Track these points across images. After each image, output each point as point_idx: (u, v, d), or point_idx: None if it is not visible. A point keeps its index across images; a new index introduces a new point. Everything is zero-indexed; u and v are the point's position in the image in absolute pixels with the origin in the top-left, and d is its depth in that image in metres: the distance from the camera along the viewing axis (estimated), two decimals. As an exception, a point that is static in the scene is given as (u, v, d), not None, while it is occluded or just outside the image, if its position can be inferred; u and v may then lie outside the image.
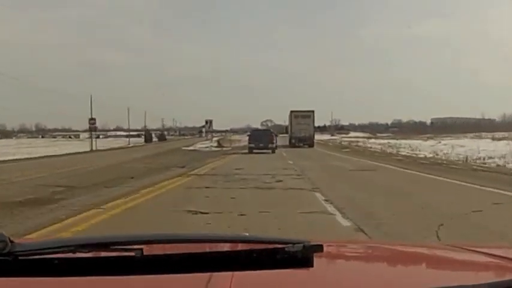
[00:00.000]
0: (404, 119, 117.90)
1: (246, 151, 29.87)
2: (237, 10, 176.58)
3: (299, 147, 39.39)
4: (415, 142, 36.81)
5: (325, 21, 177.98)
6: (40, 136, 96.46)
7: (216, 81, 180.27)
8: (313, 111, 45.14)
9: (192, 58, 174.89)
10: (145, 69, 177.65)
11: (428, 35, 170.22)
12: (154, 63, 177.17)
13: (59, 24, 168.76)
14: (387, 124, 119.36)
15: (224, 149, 34.21)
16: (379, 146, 35.97)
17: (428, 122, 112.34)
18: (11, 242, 1.00)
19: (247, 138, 34.25)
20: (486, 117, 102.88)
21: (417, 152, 27.06)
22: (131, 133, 79.38)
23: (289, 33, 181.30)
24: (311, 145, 40.82)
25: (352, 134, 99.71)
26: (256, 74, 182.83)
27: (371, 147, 36.30)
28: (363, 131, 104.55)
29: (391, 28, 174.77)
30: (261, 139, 31.89)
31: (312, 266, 1.03)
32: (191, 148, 34.41)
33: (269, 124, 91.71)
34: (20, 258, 1.01)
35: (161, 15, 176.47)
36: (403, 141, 39.84)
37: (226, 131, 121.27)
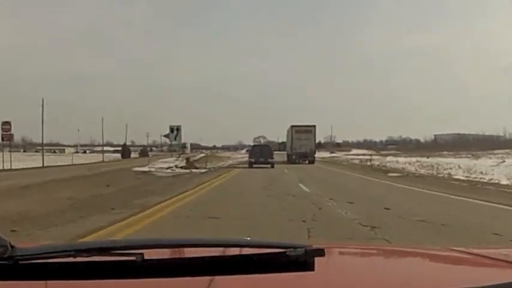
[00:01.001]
0: (398, 136, 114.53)
1: (229, 178, 20.40)
2: (230, 20, 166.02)
3: (299, 163, 37.79)
4: (458, 161, 28.41)
5: (315, 35, 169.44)
6: (22, 150, 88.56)
7: (209, 97, 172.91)
8: (314, 126, 43.56)
9: (186, 70, 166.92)
10: (137, 82, 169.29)
11: (420, 49, 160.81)
12: (145, 76, 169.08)
13: (49, 29, 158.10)
14: (382, 141, 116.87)
15: (195, 170, 20.20)
16: (412, 167, 27.73)
17: (422, 139, 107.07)
18: (12, 246, 1.00)
19: (248, 153, 35.77)
20: (495, 133, 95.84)
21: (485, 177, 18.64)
22: (117, 148, 79.97)
23: (283, 50, 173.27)
24: (312, 161, 39.65)
25: (354, 151, 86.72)
26: (248, 90, 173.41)
27: (404, 168, 27.45)
28: (358, 148, 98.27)
29: (383, 42, 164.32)
30: (261, 154, 32.56)
31: (314, 270, 1.02)
32: (145, 169, 20.40)
33: (262, 140, 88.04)
34: (20, 262, 1.00)
35: (152, 25, 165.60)
36: (440, 160, 31.89)
37: (214, 147, 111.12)
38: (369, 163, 33.99)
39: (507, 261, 1.28)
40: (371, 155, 77.24)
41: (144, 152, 79.82)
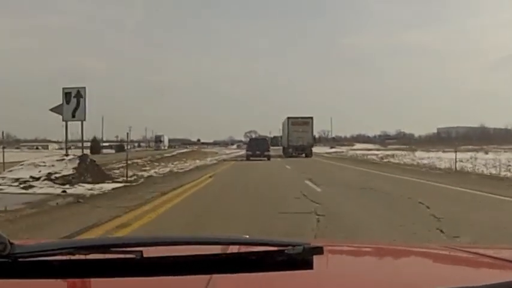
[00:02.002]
0: (391, 131, 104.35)
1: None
2: (220, 20, 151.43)
3: (295, 157, 35.23)
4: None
5: (309, 32, 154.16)
6: (1, 147, 72.37)
7: (199, 93, 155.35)
8: (311, 118, 40.29)
9: (176, 68, 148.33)
10: (126, 78, 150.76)
11: (412, 46, 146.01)
12: (136, 72, 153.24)
13: (38, 30, 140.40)
14: (375, 136, 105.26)
15: (83, 189, 4.48)
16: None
17: (417, 134, 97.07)
18: (11, 244, 0.96)
19: (237, 148, 40.53)
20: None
21: None
22: (104, 144, 73.93)
23: (272, 45, 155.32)
24: (309, 155, 36.47)
25: (358, 145, 74.10)
26: (240, 87, 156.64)
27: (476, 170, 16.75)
28: (356, 142, 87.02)
29: (374, 39, 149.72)
30: (258, 147, 32.39)
31: (312, 268, 0.98)
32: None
33: (253, 135, 78.80)
34: (19, 260, 0.96)
35: (144, 23, 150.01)
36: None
37: (202, 143, 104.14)
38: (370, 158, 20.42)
39: (507, 260, 1.23)
40: (350, 149, 64.49)
41: (120, 147, 68.20)
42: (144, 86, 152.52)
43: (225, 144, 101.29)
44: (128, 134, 38.01)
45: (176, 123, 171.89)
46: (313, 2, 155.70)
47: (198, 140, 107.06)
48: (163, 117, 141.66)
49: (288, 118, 39.89)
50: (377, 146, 74.97)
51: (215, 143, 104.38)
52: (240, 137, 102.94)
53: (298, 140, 37.66)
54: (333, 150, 63.31)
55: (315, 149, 46.20)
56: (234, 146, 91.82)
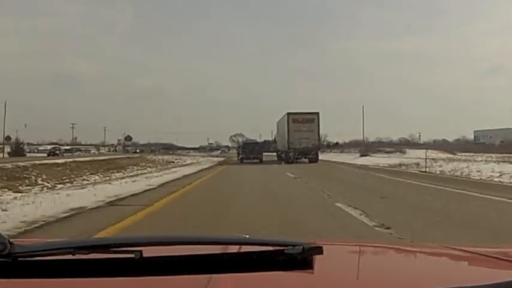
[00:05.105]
0: (386, 137, 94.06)
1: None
2: (206, 23, 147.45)
3: (298, 162, 29.12)
4: None
5: (299, 35, 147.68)
6: None
7: (183, 97, 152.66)
8: (317, 114, 32.65)
9: (163, 73, 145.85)
10: (111, 81, 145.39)
11: (405, 53, 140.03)
12: (120, 77, 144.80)
13: (26, 33, 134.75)
14: (370, 142, 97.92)
15: None
16: None
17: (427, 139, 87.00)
18: (11, 243, 0.95)
19: (239, 150, 36.74)
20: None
21: None
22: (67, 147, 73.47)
23: (257, 48, 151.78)
24: (314, 160, 30.19)
25: (410, 152, 44.99)
26: (225, 89, 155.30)
27: None
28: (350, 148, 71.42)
29: (366, 44, 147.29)
30: (251, 151, 32.04)
31: (312, 268, 0.99)
32: None
33: (240, 139, 71.55)
34: (19, 259, 0.96)
35: (131, 27, 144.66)
36: None
37: (185, 148, 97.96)
38: None
39: (507, 260, 1.21)
40: (427, 158, 37.75)
41: (52, 152, 60.28)
42: (132, 90, 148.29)
43: (205, 150, 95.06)
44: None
45: (163, 129, 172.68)
46: (307, 7, 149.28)
47: (143, 144, 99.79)
48: (153, 123, 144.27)
49: (288, 114, 32.76)
50: (446, 154, 47.04)
51: (200, 148, 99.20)
52: (226, 142, 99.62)
53: (301, 142, 30.74)
54: (363, 158, 36.07)
55: (334, 157, 38.10)
56: (218, 152, 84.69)
